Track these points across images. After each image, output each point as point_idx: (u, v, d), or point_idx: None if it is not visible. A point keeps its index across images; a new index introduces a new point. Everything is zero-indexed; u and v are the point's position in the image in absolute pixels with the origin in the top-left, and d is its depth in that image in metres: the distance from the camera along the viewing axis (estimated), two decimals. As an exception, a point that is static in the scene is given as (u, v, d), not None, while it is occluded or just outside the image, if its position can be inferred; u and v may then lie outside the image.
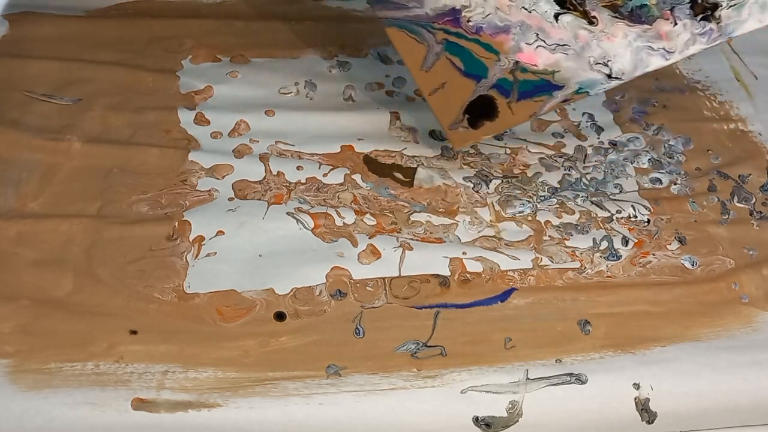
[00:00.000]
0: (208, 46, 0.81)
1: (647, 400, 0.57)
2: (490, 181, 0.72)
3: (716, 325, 0.62)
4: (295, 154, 0.72)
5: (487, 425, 0.55)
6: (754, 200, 0.72)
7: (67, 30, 0.81)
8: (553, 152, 0.75)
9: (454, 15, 0.65)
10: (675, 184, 0.73)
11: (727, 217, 0.71)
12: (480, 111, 0.68)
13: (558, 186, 0.72)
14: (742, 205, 0.72)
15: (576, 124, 0.78)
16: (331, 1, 0.89)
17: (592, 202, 0.71)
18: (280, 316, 0.59)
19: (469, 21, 0.64)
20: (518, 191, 0.71)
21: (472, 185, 0.71)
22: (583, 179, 0.73)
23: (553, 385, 0.57)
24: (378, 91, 0.79)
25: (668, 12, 0.62)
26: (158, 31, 0.82)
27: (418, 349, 0.58)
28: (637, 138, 0.77)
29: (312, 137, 0.73)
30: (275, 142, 0.72)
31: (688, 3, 0.62)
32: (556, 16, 0.63)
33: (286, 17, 0.86)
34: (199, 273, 0.61)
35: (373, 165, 0.72)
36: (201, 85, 0.77)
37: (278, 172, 0.70)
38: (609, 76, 0.65)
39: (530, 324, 0.61)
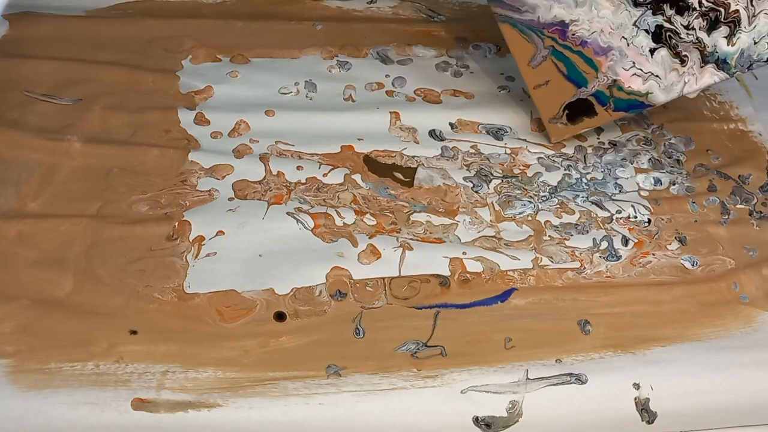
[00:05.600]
0: (208, 46, 0.81)
1: (647, 400, 0.57)
2: (490, 181, 0.72)
3: (716, 325, 0.62)
4: (295, 154, 0.72)
5: (487, 425, 0.55)
6: (754, 200, 0.72)
7: (67, 30, 0.81)
8: (553, 152, 0.75)
9: (562, 27, 0.70)
10: (675, 184, 0.73)
11: (727, 217, 0.71)
12: (578, 108, 0.73)
13: (557, 186, 0.72)
14: (742, 206, 0.72)
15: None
16: (331, 1, 0.89)
17: (592, 202, 0.71)
18: (280, 316, 0.59)
19: (574, 34, 0.69)
20: (518, 191, 0.71)
21: (472, 185, 0.71)
22: (583, 179, 0.73)
23: (553, 385, 0.57)
24: (378, 91, 0.79)
25: (746, 69, 0.68)
26: (158, 31, 0.82)
27: (418, 349, 0.58)
28: (637, 138, 0.77)
29: (312, 137, 0.73)
30: (275, 142, 0.72)
31: (766, 62, 0.68)
32: (652, 51, 0.68)
33: (286, 17, 0.86)
34: (199, 273, 0.61)
35: (373, 165, 0.72)
36: (201, 85, 0.77)
37: (278, 172, 0.70)
38: None
39: (530, 324, 0.61)
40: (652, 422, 0.57)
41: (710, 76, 0.69)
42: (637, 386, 0.58)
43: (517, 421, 0.56)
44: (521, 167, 0.74)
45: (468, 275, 0.63)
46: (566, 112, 0.73)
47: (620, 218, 0.70)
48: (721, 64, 0.68)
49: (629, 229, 0.69)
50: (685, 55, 0.68)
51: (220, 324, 0.59)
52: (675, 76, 0.68)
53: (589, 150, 0.76)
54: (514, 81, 0.82)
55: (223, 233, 0.64)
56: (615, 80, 0.70)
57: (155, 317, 0.58)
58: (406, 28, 0.87)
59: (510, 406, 0.56)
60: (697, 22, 0.66)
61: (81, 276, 0.60)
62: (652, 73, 0.69)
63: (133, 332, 0.57)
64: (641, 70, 0.69)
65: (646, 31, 0.68)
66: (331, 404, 0.55)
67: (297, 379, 0.56)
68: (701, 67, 0.68)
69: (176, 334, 0.57)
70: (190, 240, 0.63)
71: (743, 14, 0.66)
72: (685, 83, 0.69)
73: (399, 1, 0.91)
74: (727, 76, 0.68)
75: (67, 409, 0.53)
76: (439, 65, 0.83)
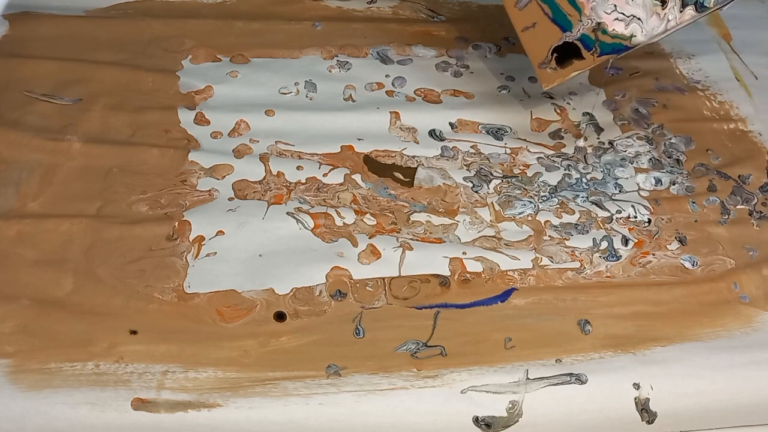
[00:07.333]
0: (208, 46, 0.81)
1: (647, 400, 0.57)
2: (490, 181, 0.72)
3: (716, 325, 0.62)
4: (295, 154, 0.72)
5: (487, 425, 0.55)
6: (754, 200, 0.72)
7: (67, 30, 0.81)
8: (553, 152, 0.75)
9: None
10: (675, 184, 0.73)
11: (727, 217, 0.71)
12: (567, 52, 0.72)
13: (557, 186, 0.72)
14: (742, 206, 0.72)
15: (576, 124, 0.78)
16: (331, 1, 0.89)
17: (592, 202, 0.71)
18: (280, 316, 0.59)
19: None
20: (518, 191, 0.71)
21: (472, 185, 0.71)
22: (583, 179, 0.73)
23: (553, 385, 0.57)
24: (378, 91, 0.79)
25: (724, 5, 0.69)
26: (158, 31, 0.82)
27: (418, 349, 0.58)
28: (637, 137, 0.77)
29: (312, 137, 0.73)
30: (275, 142, 0.73)
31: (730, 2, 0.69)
32: None
33: (286, 17, 0.86)
34: (199, 273, 0.61)
35: (373, 165, 0.72)
36: (201, 85, 0.77)
37: (278, 172, 0.70)
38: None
39: (530, 324, 0.61)
40: (652, 422, 0.57)
41: (690, 17, 0.69)
42: (637, 386, 0.58)
43: (517, 421, 0.56)
44: (521, 167, 0.74)
45: (468, 275, 0.63)
46: (554, 56, 0.72)
47: (620, 218, 0.70)
48: (700, 7, 0.68)
49: (629, 229, 0.69)
50: None
51: (220, 324, 0.59)
52: (656, 20, 0.68)
53: (589, 150, 0.76)
54: (514, 81, 0.82)
55: (223, 233, 0.64)
56: (599, 23, 0.70)
57: (155, 317, 0.58)
58: (406, 28, 0.87)
59: (510, 406, 0.56)
60: None
61: (81, 276, 0.60)
62: (634, 16, 0.68)
63: (133, 332, 0.57)
64: (623, 14, 0.69)
65: None
66: (331, 404, 0.55)
67: (297, 379, 0.56)
68: (680, 11, 0.68)
69: (176, 334, 0.57)
70: (190, 240, 0.63)
71: None
72: (668, 22, 0.68)
73: (399, 1, 0.91)
74: (705, 14, 0.69)
75: (67, 409, 0.53)
76: (439, 65, 0.83)
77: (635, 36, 0.69)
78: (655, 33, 0.69)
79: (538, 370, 0.58)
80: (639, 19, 0.68)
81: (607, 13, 0.69)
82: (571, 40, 0.71)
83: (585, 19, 0.70)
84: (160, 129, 0.72)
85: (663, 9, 0.68)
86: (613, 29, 0.69)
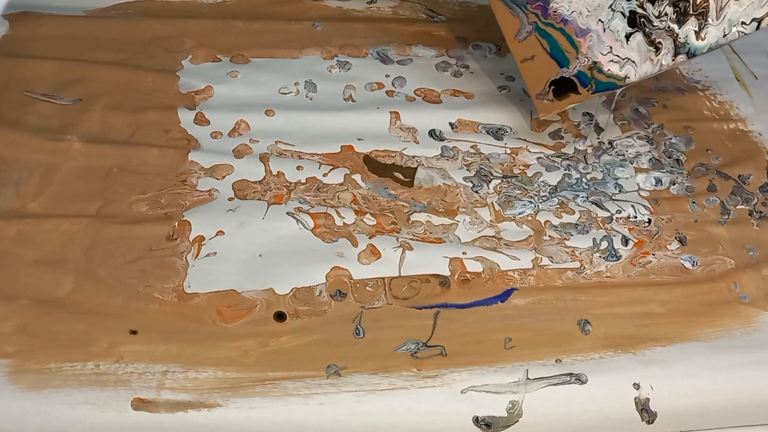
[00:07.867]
0: (208, 46, 0.81)
1: (647, 400, 0.57)
2: (490, 181, 0.72)
3: (716, 325, 0.62)
4: (295, 154, 0.72)
5: (487, 425, 0.55)
6: (754, 200, 0.72)
7: (67, 30, 0.81)
8: (553, 152, 0.75)
9: (544, 4, 0.70)
10: (675, 184, 0.73)
11: (727, 217, 0.71)
12: (564, 86, 0.73)
13: (557, 186, 0.72)
14: (742, 206, 0.72)
15: (576, 124, 0.78)
16: (331, 1, 0.89)
17: (592, 202, 0.71)
18: (280, 316, 0.59)
19: (555, 11, 0.70)
20: (518, 191, 0.71)
21: (472, 185, 0.71)
22: (583, 179, 0.73)
23: (553, 385, 0.57)
24: (378, 91, 0.79)
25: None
26: (158, 31, 0.82)
27: (418, 349, 0.58)
28: (637, 137, 0.77)
29: (312, 137, 0.73)
30: (275, 142, 0.73)
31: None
32: (627, 36, 0.69)
33: (286, 17, 0.86)
34: (199, 273, 0.61)
35: (373, 165, 0.72)
36: (201, 85, 0.77)
37: (278, 172, 0.70)
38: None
39: (530, 324, 0.61)
40: (652, 422, 0.57)
41: (682, 61, 0.70)
42: (637, 386, 0.58)
43: (517, 421, 0.56)
44: (521, 167, 0.74)
45: (468, 275, 0.63)
46: (552, 88, 0.73)
47: (620, 218, 0.70)
48: (691, 55, 0.69)
49: (629, 229, 0.69)
50: (659, 42, 0.68)
51: (220, 324, 0.59)
52: (650, 65, 0.69)
53: (589, 150, 0.76)
54: (514, 81, 0.82)
55: (223, 233, 0.64)
56: (595, 62, 0.70)
57: (155, 317, 0.58)
58: (406, 28, 0.87)
59: (510, 406, 0.56)
60: (669, 11, 0.67)
61: (81, 276, 0.60)
62: (629, 59, 0.69)
63: (133, 332, 0.57)
64: (618, 56, 0.69)
65: (622, 14, 0.68)
66: (331, 404, 0.55)
67: (297, 379, 0.56)
68: (673, 59, 0.69)
69: (176, 334, 0.57)
70: (190, 240, 0.63)
71: (712, 5, 0.67)
72: (660, 66, 0.69)
73: (399, 1, 0.91)
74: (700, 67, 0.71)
75: (67, 409, 0.53)
76: (439, 65, 0.83)
77: (629, 77, 0.70)
78: (648, 74, 0.70)
79: (538, 370, 0.58)
80: (633, 62, 0.69)
81: (602, 54, 0.70)
82: (568, 76, 0.72)
83: (581, 57, 0.70)
84: (160, 129, 0.72)
85: (656, 55, 0.69)
86: (608, 69, 0.70)
